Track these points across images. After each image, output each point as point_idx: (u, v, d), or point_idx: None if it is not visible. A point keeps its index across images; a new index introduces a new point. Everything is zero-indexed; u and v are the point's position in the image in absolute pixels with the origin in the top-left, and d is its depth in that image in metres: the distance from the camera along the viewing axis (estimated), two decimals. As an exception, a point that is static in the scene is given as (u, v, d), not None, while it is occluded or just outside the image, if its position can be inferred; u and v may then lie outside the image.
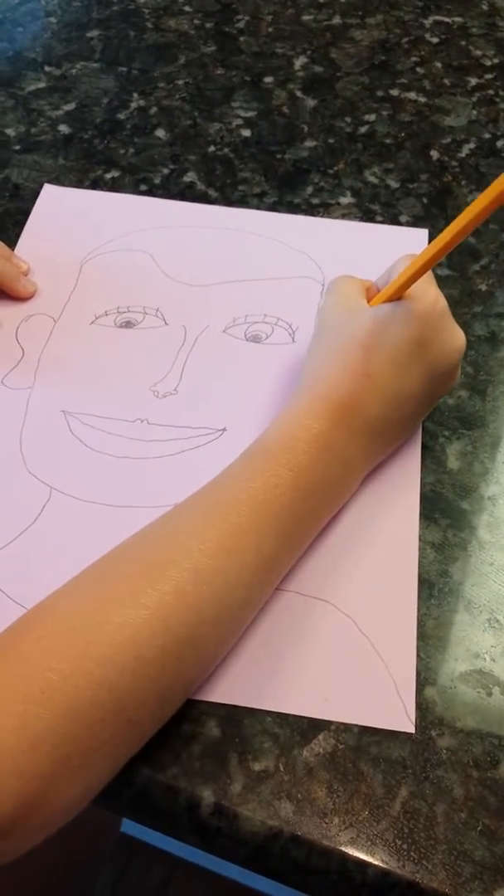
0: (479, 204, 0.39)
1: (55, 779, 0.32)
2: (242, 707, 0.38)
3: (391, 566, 0.43)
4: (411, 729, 0.38)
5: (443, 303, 0.44)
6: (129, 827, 0.96)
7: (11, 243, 0.57)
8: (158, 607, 0.34)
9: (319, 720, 0.38)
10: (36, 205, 0.60)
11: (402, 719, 0.39)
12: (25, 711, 0.31)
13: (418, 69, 0.72)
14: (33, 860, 0.60)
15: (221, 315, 0.54)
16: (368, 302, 0.46)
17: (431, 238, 0.59)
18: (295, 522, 0.40)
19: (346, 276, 0.48)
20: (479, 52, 0.74)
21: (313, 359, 0.45)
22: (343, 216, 0.60)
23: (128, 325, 0.53)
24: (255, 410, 0.49)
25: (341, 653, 0.40)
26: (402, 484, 0.46)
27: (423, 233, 0.59)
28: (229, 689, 0.39)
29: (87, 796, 0.34)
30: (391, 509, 0.45)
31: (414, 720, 0.39)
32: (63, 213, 0.60)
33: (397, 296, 0.44)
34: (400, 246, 0.57)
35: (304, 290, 0.55)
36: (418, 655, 0.41)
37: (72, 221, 0.59)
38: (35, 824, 0.32)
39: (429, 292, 0.44)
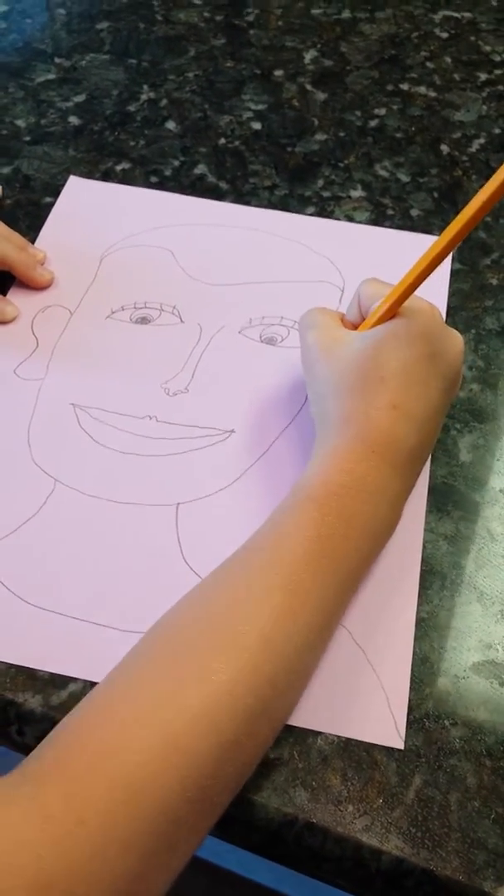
0: (455, 226, 0.39)
1: (145, 875, 0.30)
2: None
3: (391, 579, 0.43)
4: (400, 745, 0.38)
5: (438, 311, 0.43)
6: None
7: (23, 234, 0.57)
8: (235, 685, 0.33)
9: (333, 709, 0.39)
10: (61, 196, 0.60)
11: (392, 735, 0.38)
12: (114, 811, 0.29)
13: (428, 64, 0.72)
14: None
15: (238, 315, 0.53)
16: (357, 328, 0.45)
17: (435, 219, 0.59)
18: (350, 571, 0.38)
19: (318, 309, 0.47)
20: (488, 48, 0.74)
21: (330, 402, 0.42)
22: (354, 209, 0.60)
23: (143, 321, 0.53)
24: (266, 414, 0.49)
25: (334, 663, 0.40)
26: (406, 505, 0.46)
27: None
28: None
29: (171, 882, 0.32)
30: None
31: (403, 736, 0.38)
32: (87, 206, 0.60)
33: (390, 315, 0.42)
34: (422, 254, 0.57)
35: (323, 294, 0.55)
36: (431, 647, 0.41)
37: (96, 214, 0.59)
38: None
39: (422, 305, 0.43)
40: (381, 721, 0.38)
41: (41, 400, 0.49)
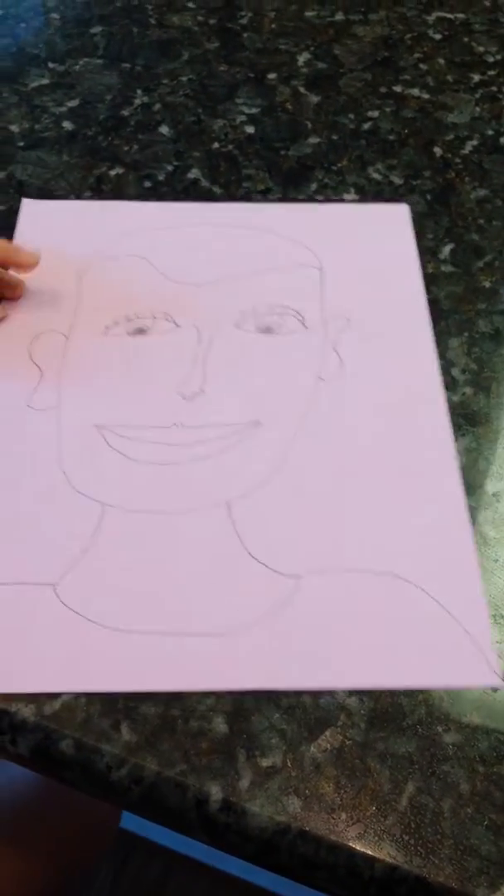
0: None
1: None
2: (250, 703, 0.39)
3: (446, 529, 0.45)
4: (498, 682, 0.40)
5: None
6: (129, 822, 0.96)
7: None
8: None
9: (326, 717, 0.39)
10: (18, 222, 0.59)
11: (487, 674, 0.40)
12: None
13: (421, 65, 0.72)
14: (33, 860, 0.61)
15: (230, 311, 0.54)
16: None
17: (428, 222, 0.60)
18: None
19: None
20: (481, 49, 0.74)
21: None
22: (347, 213, 0.60)
23: (140, 332, 0.53)
24: (284, 400, 0.50)
25: (416, 621, 0.41)
26: (437, 451, 0.48)
27: (403, 208, 0.60)
28: (311, 673, 0.40)
29: None
30: (432, 475, 0.47)
31: (499, 672, 0.40)
32: (49, 226, 0.59)
33: None
34: (384, 221, 0.60)
35: (303, 277, 0.56)
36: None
37: (60, 234, 0.58)
38: None
39: None
40: (474, 664, 0.40)
41: (63, 427, 0.48)
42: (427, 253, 0.58)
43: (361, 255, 0.57)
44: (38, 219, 0.59)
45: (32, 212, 0.60)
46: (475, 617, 0.42)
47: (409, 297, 0.55)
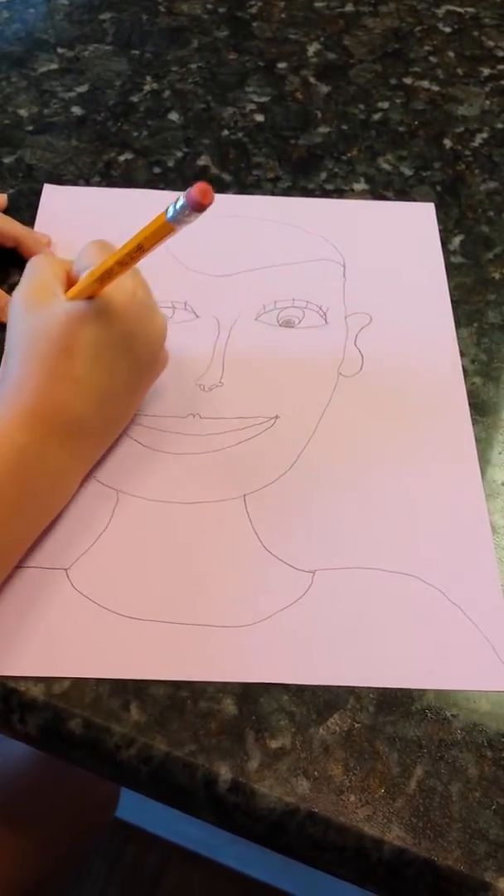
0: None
1: None
2: (259, 685, 0.39)
3: (466, 530, 0.44)
4: None
5: (141, 292, 0.43)
6: (126, 812, 0.96)
7: (24, 222, 0.57)
8: None
9: (335, 700, 0.39)
10: (40, 207, 0.59)
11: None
12: None
13: (431, 58, 0.72)
14: (28, 842, 0.60)
15: (250, 303, 0.53)
16: (68, 289, 0.44)
17: (438, 213, 0.59)
18: (5, 537, 0.39)
19: (43, 258, 0.46)
20: (491, 43, 0.74)
21: (13, 362, 0.42)
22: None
23: None
24: (304, 395, 0.49)
25: (434, 623, 0.41)
26: (458, 451, 0.47)
27: (429, 206, 0.60)
28: (323, 670, 0.39)
29: None
30: (452, 475, 0.46)
31: None
32: (69, 212, 0.59)
33: (91, 293, 0.41)
34: (410, 219, 0.59)
35: (326, 272, 0.56)
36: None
37: (80, 220, 0.58)
38: None
39: (125, 284, 0.42)
40: (492, 669, 0.40)
41: None
42: (436, 243, 0.58)
43: (385, 252, 0.57)
44: (58, 204, 0.59)
45: (53, 197, 0.59)
46: (492, 620, 0.41)
47: (432, 296, 0.55)
